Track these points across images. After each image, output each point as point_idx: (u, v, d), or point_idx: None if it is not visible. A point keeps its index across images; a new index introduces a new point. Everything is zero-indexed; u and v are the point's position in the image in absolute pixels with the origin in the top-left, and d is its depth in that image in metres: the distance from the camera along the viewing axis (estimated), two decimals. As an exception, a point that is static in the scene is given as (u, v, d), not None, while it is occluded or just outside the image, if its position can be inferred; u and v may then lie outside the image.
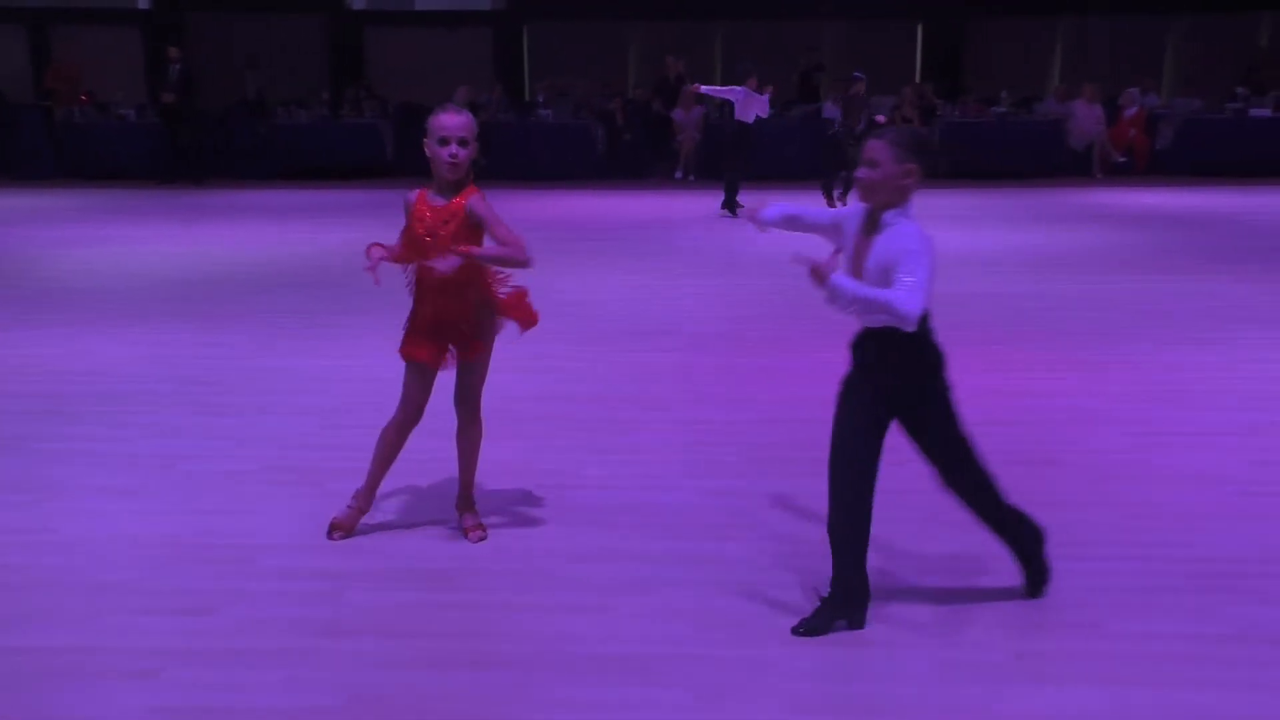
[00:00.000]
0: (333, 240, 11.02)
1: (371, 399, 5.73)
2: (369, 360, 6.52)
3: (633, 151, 17.12)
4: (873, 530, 3.42)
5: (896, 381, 3.38)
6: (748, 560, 3.97)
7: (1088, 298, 8.32)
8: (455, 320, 3.95)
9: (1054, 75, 20.77)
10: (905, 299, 3.10)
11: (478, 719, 3.02)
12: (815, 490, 4.54)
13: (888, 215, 3.29)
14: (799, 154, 16.48)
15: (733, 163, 12.91)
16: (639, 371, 6.36)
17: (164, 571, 3.87)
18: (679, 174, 16.77)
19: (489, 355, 4.07)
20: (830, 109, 16.92)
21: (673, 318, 7.73)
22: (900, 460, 3.73)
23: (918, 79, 20.14)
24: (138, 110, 17.39)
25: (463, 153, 3.80)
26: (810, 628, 3.43)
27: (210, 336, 7.21)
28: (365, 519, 4.20)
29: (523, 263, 3.80)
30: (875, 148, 3.29)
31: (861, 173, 3.32)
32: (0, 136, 16.98)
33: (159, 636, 3.42)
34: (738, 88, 12.68)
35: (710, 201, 13.50)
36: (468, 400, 4.08)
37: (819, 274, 3.15)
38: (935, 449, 3.48)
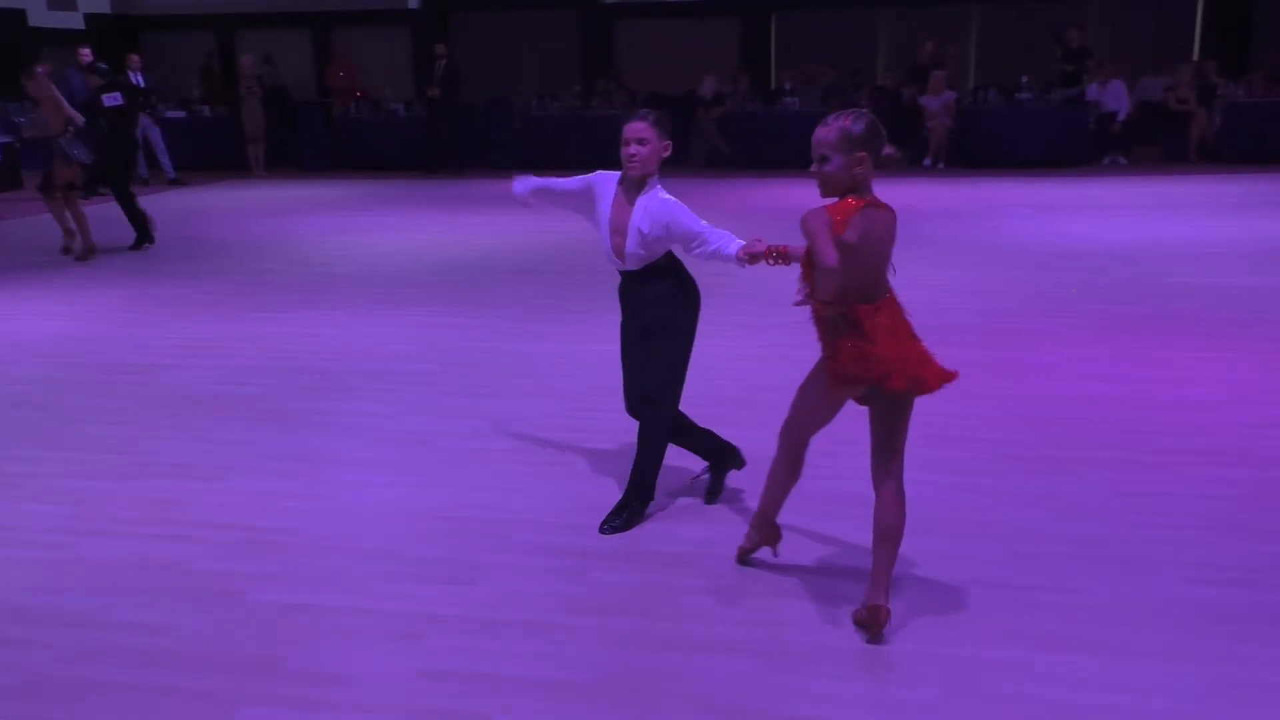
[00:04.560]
0: (586, 229, 11.33)
1: (619, 385, 5.87)
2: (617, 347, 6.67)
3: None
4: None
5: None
6: (995, 560, 3.83)
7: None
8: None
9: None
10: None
11: (719, 705, 3.05)
12: (1066, 491, 4.36)
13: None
14: (1053, 140, 15.80)
15: None
16: (884, 364, 6.23)
17: (425, 542, 4.10)
18: (928, 161, 16.31)
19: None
20: (1095, 92, 16.06)
21: (920, 310, 7.49)
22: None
23: (1196, 56, 18.76)
24: (406, 105, 18.45)
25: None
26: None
27: (469, 320, 7.59)
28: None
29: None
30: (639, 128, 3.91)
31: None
32: (286, 132, 18.43)
33: (423, 603, 3.64)
34: None
35: (957, 191, 13.00)
36: None
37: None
38: None
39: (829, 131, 3.21)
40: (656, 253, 4.04)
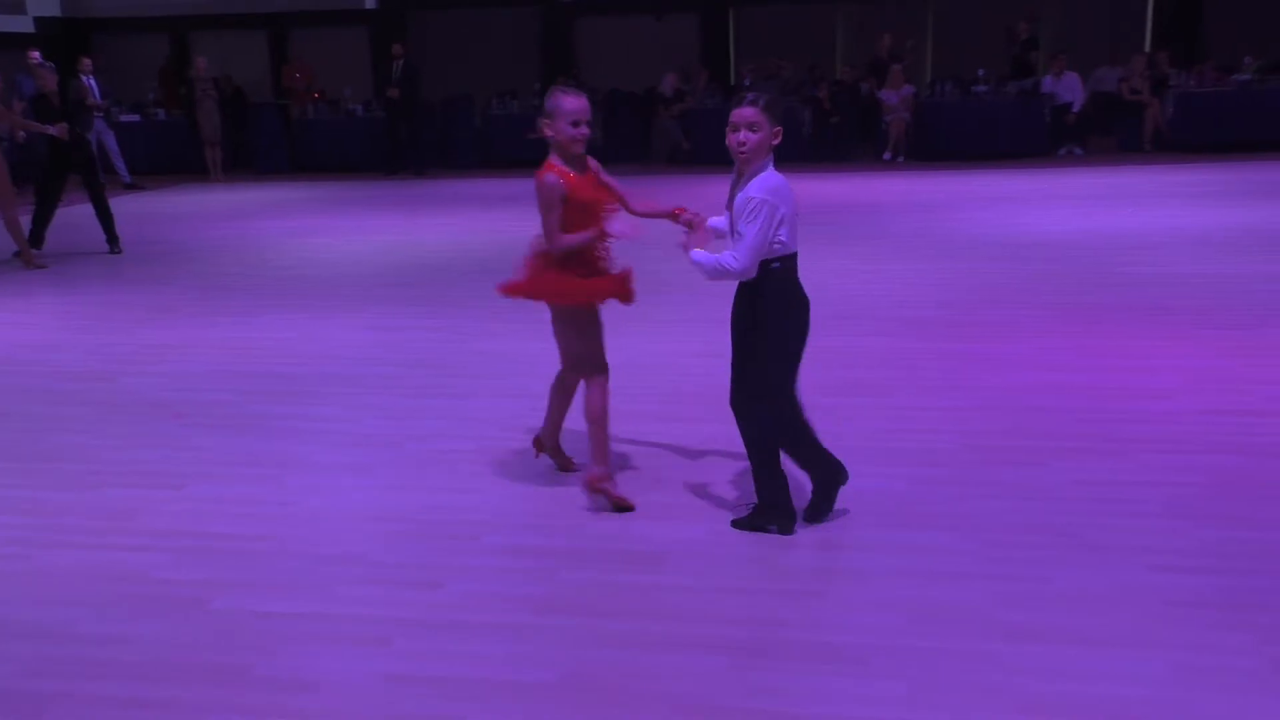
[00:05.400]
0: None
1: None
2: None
3: (839, 134, 16.83)
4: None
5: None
6: (967, 551, 3.84)
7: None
8: None
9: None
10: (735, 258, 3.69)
11: (690, 703, 3.04)
12: (1031, 481, 4.39)
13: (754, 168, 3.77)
14: (1010, 132, 15.95)
15: None
16: (848, 358, 6.25)
17: (393, 546, 4.07)
18: (887, 155, 16.39)
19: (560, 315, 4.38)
20: (1050, 83, 16.21)
21: (884, 302, 7.56)
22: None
23: (1148, 48, 18.97)
24: (364, 106, 18.30)
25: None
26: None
27: (432, 321, 7.53)
28: (586, 502, 4.31)
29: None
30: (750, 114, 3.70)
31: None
32: (242, 134, 18.21)
33: (391, 607, 3.60)
34: None
35: (917, 184, 13.07)
36: None
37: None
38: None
39: None
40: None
